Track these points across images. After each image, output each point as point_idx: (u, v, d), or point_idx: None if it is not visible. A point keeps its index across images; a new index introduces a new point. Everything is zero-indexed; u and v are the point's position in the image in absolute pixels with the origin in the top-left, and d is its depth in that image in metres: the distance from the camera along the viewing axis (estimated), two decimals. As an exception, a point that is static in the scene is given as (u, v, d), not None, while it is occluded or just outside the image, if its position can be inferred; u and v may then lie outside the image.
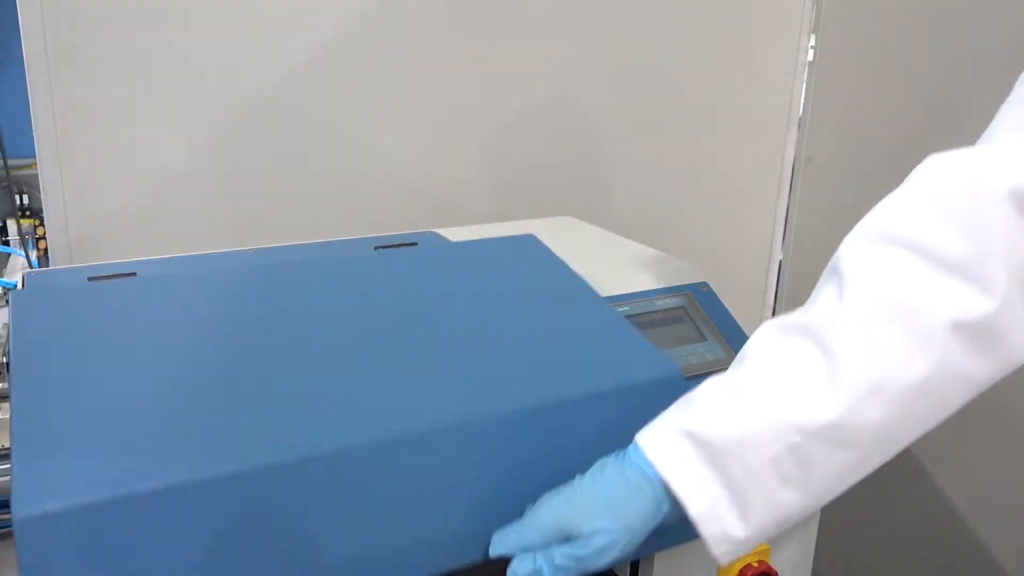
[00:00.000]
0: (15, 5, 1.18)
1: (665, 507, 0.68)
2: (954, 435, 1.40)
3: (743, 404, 0.66)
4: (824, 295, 0.68)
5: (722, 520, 0.65)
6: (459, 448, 0.73)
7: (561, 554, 0.67)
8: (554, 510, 0.69)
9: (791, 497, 0.65)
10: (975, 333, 0.64)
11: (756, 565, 0.93)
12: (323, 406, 0.74)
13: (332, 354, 0.82)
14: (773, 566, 0.94)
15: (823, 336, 0.65)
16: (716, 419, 0.66)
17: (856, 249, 0.68)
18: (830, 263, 0.70)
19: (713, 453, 0.65)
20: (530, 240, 1.05)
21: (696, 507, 0.65)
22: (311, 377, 0.78)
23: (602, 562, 0.67)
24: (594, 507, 0.67)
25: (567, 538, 0.67)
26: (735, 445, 0.64)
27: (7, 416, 1.13)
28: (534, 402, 0.76)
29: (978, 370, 0.65)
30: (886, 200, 0.70)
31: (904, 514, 1.54)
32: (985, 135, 0.70)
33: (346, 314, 0.89)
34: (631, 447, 0.69)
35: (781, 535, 0.96)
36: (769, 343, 0.68)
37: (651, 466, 0.67)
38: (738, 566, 0.93)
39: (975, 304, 0.63)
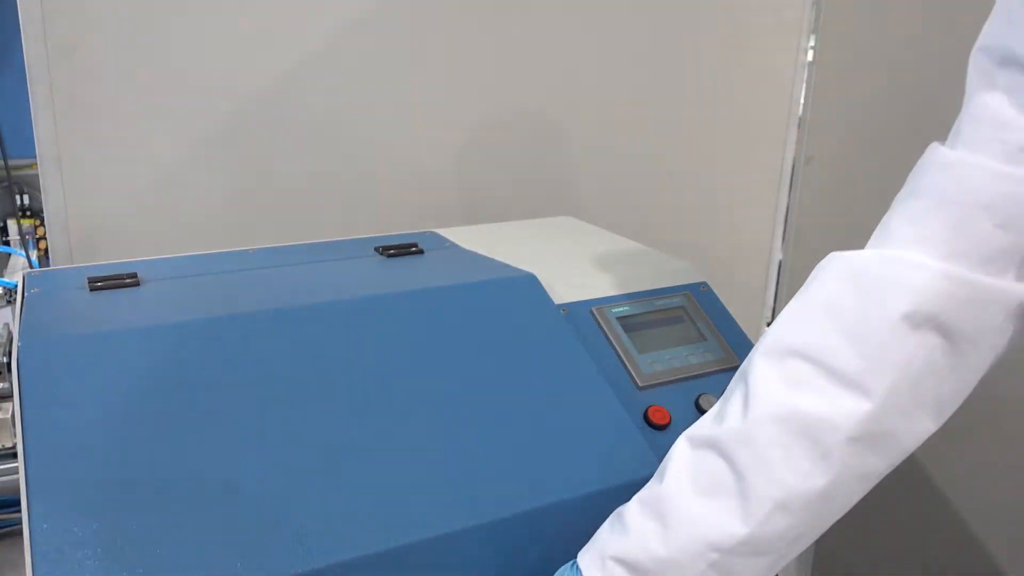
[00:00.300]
0: (15, 5, 1.18)
1: None
2: (954, 436, 1.40)
3: (666, 529, 0.72)
4: (732, 406, 0.73)
5: None
6: (433, 557, 0.74)
7: None
8: None
9: None
10: (870, 441, 0.69)
11: (756, 565, 0.93)
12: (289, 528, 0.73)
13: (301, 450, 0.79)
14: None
15: (731, 454, 0.70)
16: (644, 545, 0.72)
17: (762, 360, 0.73)
18: (740, 369, 0.75)
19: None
20: (529, 282, 1.02)
21: None
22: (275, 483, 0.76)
23: None
24: None
25: None
26: (663, 569, 0.71)
27: (7, 416, 1.13)
28: (501, 514, 0.77)
29: (875, 468, 0.71)
30: (791, 310, 0.74)
31: (904, 514, 1.54)
32: (882, 229, 0.73)
33: (325, 383, 0.85)
34: (574, 567, 0.75)
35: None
36: (685, 459, 0.74)
37: None
38: (738, 566, 0.93)
39: (869, 416, 0.68)
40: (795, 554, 0.72)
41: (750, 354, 0.75)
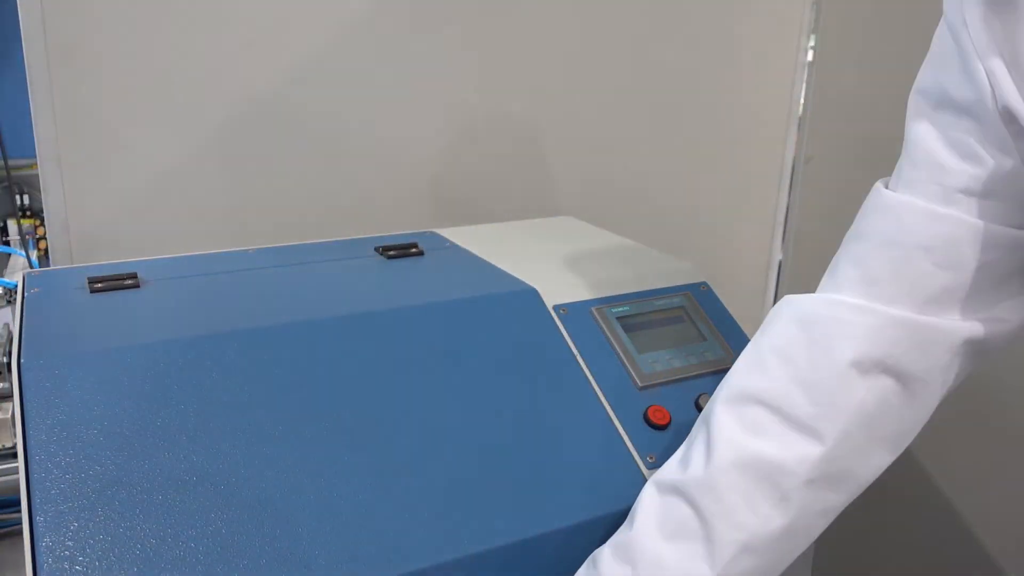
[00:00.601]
0: (15, 5, 1.18)
1: None
2: (954, 436, 1.40)
3: (637, 574, 0.74)
4: (696, 451, 0.76)
5: None
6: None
7: None
8: None
9: None
10: (826, 481, 0.72)
11: (756, 565, 0.93)
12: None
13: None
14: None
15: (696, 500, 0.73)
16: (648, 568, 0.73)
17: (722, 407, 0.75)
18: (703, 412, 0.78)
19: None
20: (530, 297, 1.02)
21: None
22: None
23: None
24: None
25: None
26: None
27: (7, 416, 1.13)
28: (492, 544, 0.77)
29: (834, 504, 0.74)
30: (748, 355, 0.77)
31: (903, 514, 1.54)
32: (830, 271, 0.76)
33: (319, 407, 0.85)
34: None
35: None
36: (653, 505, 0.76)
37: None
38: (738, 566, 0.93)
39: (822, 459, 0.71)
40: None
41: (711, 399, 0.78)
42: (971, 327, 0.72)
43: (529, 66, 1.53)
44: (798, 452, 0.71)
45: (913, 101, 0.74)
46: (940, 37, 0.72)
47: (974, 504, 1.43)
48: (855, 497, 0.75)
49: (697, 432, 0.78)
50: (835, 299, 0.73)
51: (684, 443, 0.79)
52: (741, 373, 0.77)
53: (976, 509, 1.43)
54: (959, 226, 0.69)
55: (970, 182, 0.68)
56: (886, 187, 0.75)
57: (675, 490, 0.75)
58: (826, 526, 0.75)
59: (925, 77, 0.73)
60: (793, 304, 0.76)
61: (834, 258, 0.77)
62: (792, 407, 0.72)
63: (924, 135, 0.72)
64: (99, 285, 0.99)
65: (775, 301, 1.86)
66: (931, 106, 0.72)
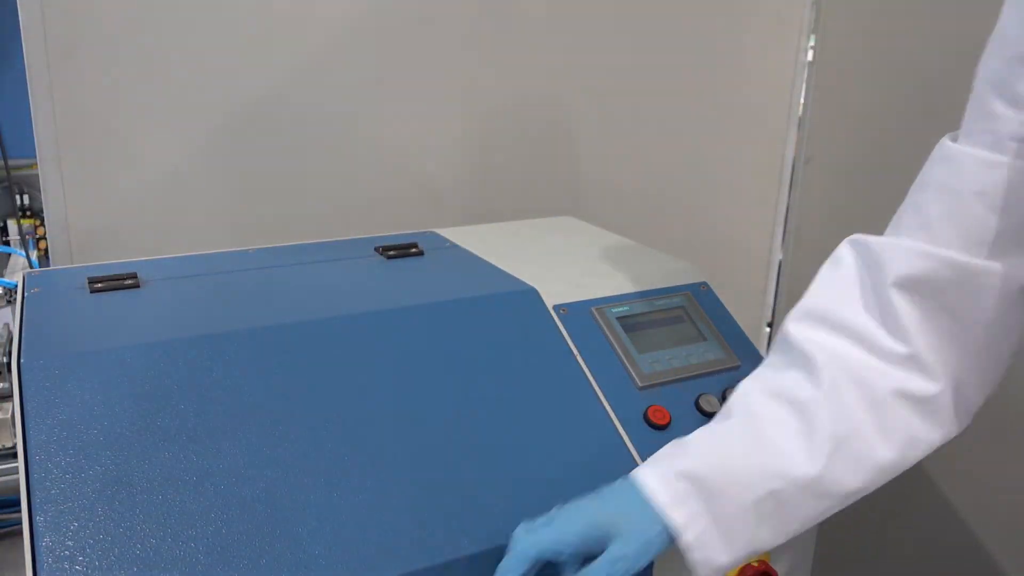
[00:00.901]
0: (15, 5, 1.18)
1: (666, 533, 0.75)
2: (955, 436, 1.40)
3: (729, 451, 0.76)
4: (793, 374, 0.78)
5: (708, 550, 0.74)
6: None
7: (600, 571, 0.73)
8: (587, 517, 0.75)
9: (766, 533, 0.75)
10: (926, 409, 0.77)
11: (756, 565, 0.93)
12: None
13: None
14: (773, 566, 0.94)
15: (805, 411, 0.76)
16: (710, 464, 0.75)
17: (809, 333, 0.79)
18: (780, 334, 0.81)
19: (707, 493, 0.74)
20: (530, 297, 1.02)
21: (687, 537, 0.74)
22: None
23: (638, 565, 0.73)
24: (624, 517, 0.74)
25: (599, 542, 0.74)
26: (726, 486, 0.74)
27: (7, 416, 1.13)
28: (489, 545, 0.77)
29: (933, 438, 0.79)
30: (822, 284, 0.82)
31: (903, 514, 1.54)
32: (895, 218, 0.80)
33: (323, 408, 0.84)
34: (627, 484, 0.76)
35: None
36: (755, 402, 0.79)
37: (650, 499, 0.75)
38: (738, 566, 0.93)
39: (921, 386, 0.76)
40: (840, 508, 0.77)
41: (787, 325, 0.81)
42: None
43: (529, 67, 1.53)
44: (896, 379, 0.76)
45: (983, 59, 0.76)
46: None
47: (974, 504, 1.43)
48: (949, 439, 0.81)
49: (785, 355, 0.80)
50: (893, 241, 0.78)
51: (770, 365, 0.82)
52: (816, 301, 0.81)
53: (976, 509, 1.43)
54: (1011, 171, 0.72)
55: (1020, 128, 0.71)
56: (951, 140, 0.78)
57: (782, 398, 0.77)
58: (917, 461, 0.79)
59: (997, 37, 0.75)
60: (857, 243, 0.81)
61: (899, 208, 0.80)
62: (878, 340, 0.76)
63: (981, 87, 0.75)
64: (99, 285, 0.99)
65: (775, 301, 1.87)
66: (995, 59, 0.74)
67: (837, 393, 0.75)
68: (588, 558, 0.74)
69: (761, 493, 0.74)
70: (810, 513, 0.76)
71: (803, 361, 0.78)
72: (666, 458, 0.78)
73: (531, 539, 0.74)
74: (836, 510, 0.77)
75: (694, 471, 0.75)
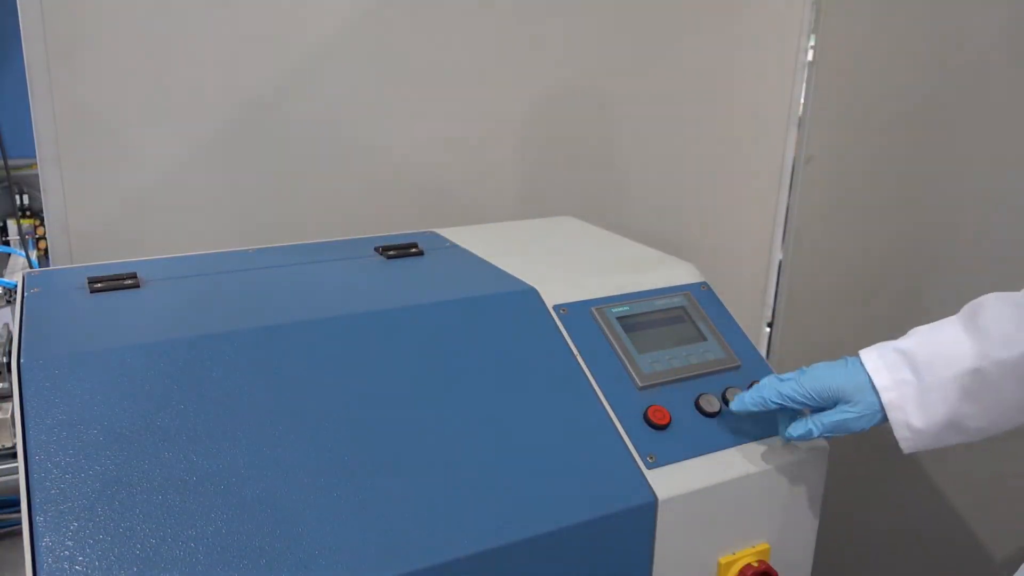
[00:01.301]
0: (15, 5, 1.18)
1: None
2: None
3: (944, 336, 0.88)
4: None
5: (906, 411, 0.87)
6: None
7: (828, 419, 0.90)
8: (825, 380, 0.90)
9: (969, 409, 0.85)
10: None
11: (756, 565, 0.93)
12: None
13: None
14: (773, 566, 0.94)
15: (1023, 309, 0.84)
16: (923, 342, 0.88)
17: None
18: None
19: (914, 364, 0.87)
20: (530, 297, 1.02)
21: (887, 396, 0.88)
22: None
23: (858, 427, 0.89)
24: (854, 384, 0.89)
25: (833, 402, 0.90)
26: (931, 359, 0.86)
27: (7, 416, 1.13)
28: (491, 544, 0.77)
29: None
30: None
31: (903, 515, 1.54)
32: None
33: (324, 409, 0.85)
34: (857, 359, 0.91)
35: (781, 536, 0.97)
36: (984, 301, 0.88)
37: (867, 368, 0.90)
38: (738, 566, 0.93)
39: None
40: None
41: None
42: None
43: (528, 67, 1.53)
44: None
45: None
46: None
47: (974, 505, 1.43)
48: None
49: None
50: None
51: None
52: None
53: (976, 510, 1.43)
54: None
55: None
56: None
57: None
58: None
59: None
60: None
61: None
62: None
63: None
64: (99, 285, 0.99)
65: (775, 301, 1.87)
66: None
67: None
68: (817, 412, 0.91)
69: (964, 368, 0.84)
70: (1016, 397, 0.83)
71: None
72: (892, 340, 0.90)
73: (777, 387, 0.92)
74: None
75: (908, 347, 0.88)
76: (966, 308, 0.89)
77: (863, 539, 1.62)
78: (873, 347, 0.91)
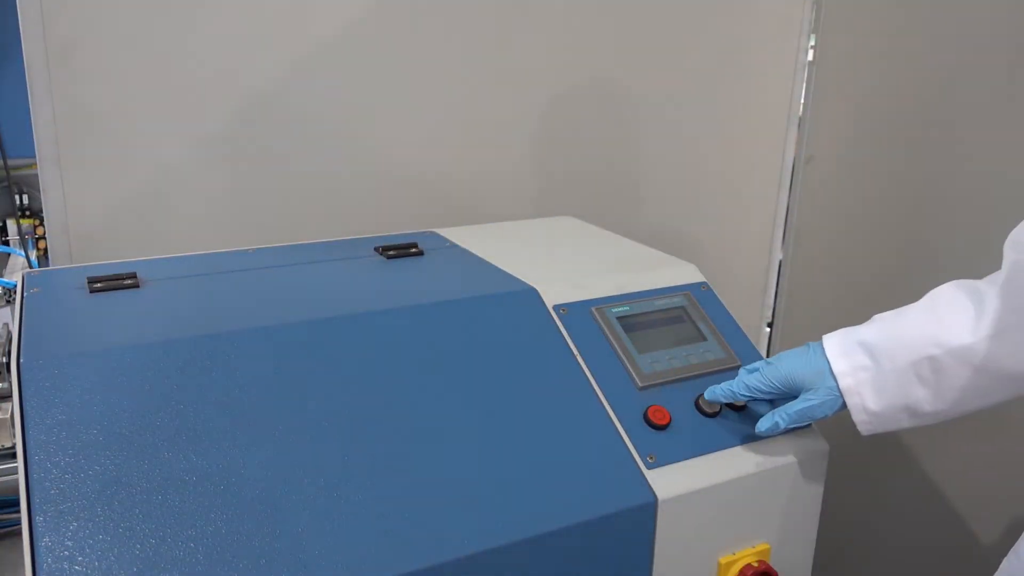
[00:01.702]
0: (15, 5, 1.18)
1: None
2: (953, 436, 1.40)
3: (904, 322, 0.90)
4: (986, 280, 0.87)
5: (862, 395, 0.90)
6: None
7: (792, 409, 0.92)
8: (787, 370, 0.93)
9: (923, 393, 0.87)
10: None
11: (756, 565, 0.93)
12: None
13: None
14: (773, 566, 0.94)
15: (981, 299, 0.85)
16: (882, 329, 0.91)
17: (1012, 254, 0.85)
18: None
19: (872, 351, 0.90)
20: (530, 297, 1.02)
21: (844, 382, 0.90)
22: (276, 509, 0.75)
23: (821, 414, 0.92)
24: (814, 371, 0.92)
25: (797, 391, 0.93)
26: (890, 346, 0.89)
27: (7, 416, 1.13)
28: (491, 545, 0.77)
29: None
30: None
31: (903, 514, 1.54)
32: None
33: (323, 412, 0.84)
34: (818, 346, 0.94)
35: (781, 536, 0.97)
36: (942, 290, 0.90)
37: (827, 356, 0.92)
38: (738, 565, 0.93)
39: None
40: (1000, 398, 0.86)
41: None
42: None
43: (529, 67, 1.53)
44: None
45: None
46: None
47: (974, 506, 1.43)
48: None
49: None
50: None
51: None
52: None
53: (976, 511, 1.43)
54: None
55: None
56: None
57: (967, 287, 0.88)
58: None
59: None
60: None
61: None
62: None
63: None
64: (99, 285, 0.99)
65: (775, 301, 1.87)
66: None
67: (1016, 289, 0.82)
68: (781, 401, 0.95)
69: (919, 356, 0.86)
70: (968, 384, 0.85)
71: (998, 273, 0.85)
72: (849, 329, 0.93)
73: (744, 379, 0.95)
74: (999, 396, 0.86)
75: (868, 334, 0.91)
76: (928, 295, 0.92)
77: (863, 539, 1.62)
78: (836, 333, 0.94)
